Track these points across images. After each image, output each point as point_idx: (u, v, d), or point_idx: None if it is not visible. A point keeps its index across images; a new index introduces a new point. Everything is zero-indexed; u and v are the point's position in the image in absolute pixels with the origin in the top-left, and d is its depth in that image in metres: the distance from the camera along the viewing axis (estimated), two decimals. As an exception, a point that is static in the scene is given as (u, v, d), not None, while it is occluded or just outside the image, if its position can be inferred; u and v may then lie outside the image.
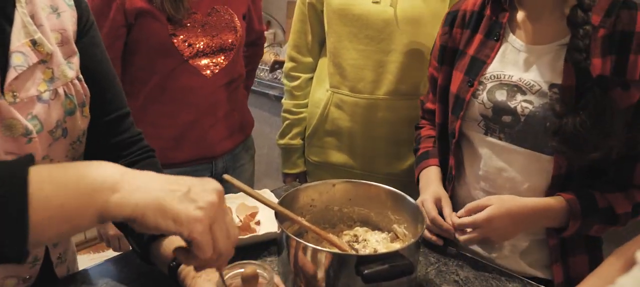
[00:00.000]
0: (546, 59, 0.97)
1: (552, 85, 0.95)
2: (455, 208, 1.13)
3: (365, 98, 1.41)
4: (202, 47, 1.35)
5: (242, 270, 0.70)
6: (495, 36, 1.03)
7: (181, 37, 1.31)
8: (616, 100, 0.89)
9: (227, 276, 0.63)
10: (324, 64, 1.48)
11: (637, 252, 0.55)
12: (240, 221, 1.11)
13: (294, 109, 1.55)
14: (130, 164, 0.89)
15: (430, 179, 1.13)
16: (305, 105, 1.55)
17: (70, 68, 0.79)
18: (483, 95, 1.03)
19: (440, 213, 1.05)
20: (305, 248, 0.80)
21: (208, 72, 1.37)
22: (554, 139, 0.92)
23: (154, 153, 0.97)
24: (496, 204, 0.95)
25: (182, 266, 0.79)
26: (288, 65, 1.55)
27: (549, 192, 0.99)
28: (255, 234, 1.05)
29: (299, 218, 0.89)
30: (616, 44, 0.90)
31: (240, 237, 1.02)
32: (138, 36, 1.29)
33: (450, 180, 1.14)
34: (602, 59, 0.91)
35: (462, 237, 0.99)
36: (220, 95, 1.42)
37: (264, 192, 1.23)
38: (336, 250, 0.86)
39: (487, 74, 1.03)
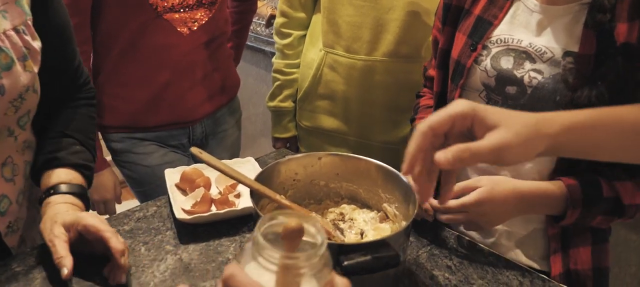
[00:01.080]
0: (563, 21, 0.85)
1: (566, 54, 0.84)
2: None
3: (361, 59, 1.30)
4: (179, 1, 1.24)
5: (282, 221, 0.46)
6: None
7: None
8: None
9: (262, 229, 0.43)
10: (317, 20, 1.37)
11: None
12: (220, 193, 1.04)
13: (285, 69, 1.45)
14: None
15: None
16: (297, 66, 1.45)
17: (3, 17, 0.69)
18: (486, 62, 0.92)
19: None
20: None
21: (185, 29, 1.27)
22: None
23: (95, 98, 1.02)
24: (487, 186, 0.86)
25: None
26: (279, 20, 1.44)
27: (554, 175, 0.89)
28: (233, 208, 0.97)
29: (278, 196, 0.81)
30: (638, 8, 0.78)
31: (217, 211, 0.95)
32: None
33: None
34: (629, 24, 0.79)
35: (444, 217, 0.90)
36: (199, 55, 1.33)
37: (247, 161, 1.15)
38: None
39: (493, 38, 0.92)
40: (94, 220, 0.76)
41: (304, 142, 1.52)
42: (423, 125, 0.54)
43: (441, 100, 1.05)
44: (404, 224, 0.81)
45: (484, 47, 0.93)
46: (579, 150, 0.58)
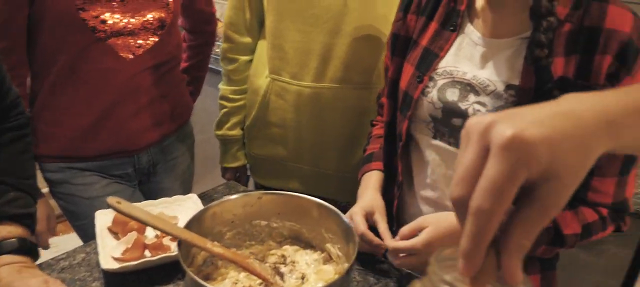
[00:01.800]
0: (505, 55, 0.84)
1: (508, 87, 0.83)
2: (403, 217, 1.03)
3: (309, 86, 1.26)
4: (121, 25, 1.18)
5: None
6: (452, 26, 0.90)
7: (92, 12, 1.14)
8: None
9: None
10: (263, 46, 1.32)
11: None
12: (157, 236, 0.97)
13: (232, 96, 1.40)
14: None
15: (368, 186, 1.01)
16: (244, 91, 1.40)
17: None
18: (433, 93, 0.91)
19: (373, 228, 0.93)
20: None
21: (128, 54, 1.21)
22: None
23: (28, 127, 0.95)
24: (432, 225, 0.84)
25: None
26: (224, 45, 1.39)
27: None
28: (168, 253, 0.91)
29: (208, 244, 0.76)
30: (582, 42, 0.78)
31: (150, 258, 0.88)
32: (41, 7, 1.13)
33: (399, 187, 1.02)
34: (565, 58, 0.78)
35: (395, 261, 0.89)
36: (144, 80, 1.27)
37: (188, 198, 1.10)
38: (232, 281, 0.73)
39: (439, 69, 0.90)
40: None
41: (255, 172, 1.47)
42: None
43: (391, 130, 1.03)
44: (346, 266, 0.76)
45: (431, 78, 0.91)
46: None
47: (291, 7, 1.23)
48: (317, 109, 1.28)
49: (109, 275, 0.87)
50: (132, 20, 1.20)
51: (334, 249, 0.87)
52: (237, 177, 1.49)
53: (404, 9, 0.98)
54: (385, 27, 1.17)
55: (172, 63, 1.36)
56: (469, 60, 0.88)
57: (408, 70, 0.96)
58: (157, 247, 0.92)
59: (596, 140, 0.36)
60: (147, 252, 0.92)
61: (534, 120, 0.35)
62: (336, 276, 0.82)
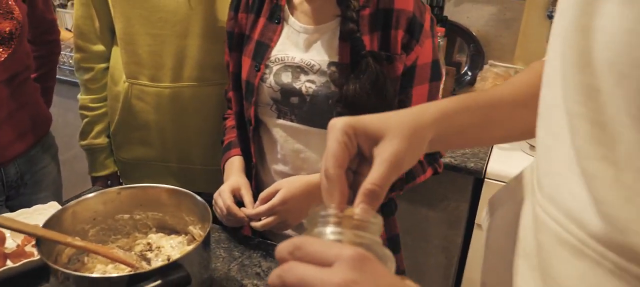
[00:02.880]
0: (323, 38, 1.01)
1: (330, 64, 1.00)
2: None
3: (168, 87, 1.33)
4: None
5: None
6: (277, 19, 1.05)
7: None
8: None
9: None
10: (117, 52, 1.36)
11: None
12: (18, 245, 0.98)
13: (92, 105, 1.42)
14: None
15: (232, 170, 1.12)
16: (104, 99, 1.42)
17: None
18: (270, 79, 1.04)
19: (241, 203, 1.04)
20: (67, 277, 0.72)
21: None
22: (337, 107, 0.98)
23: None
24: (286, 186, 0.99)
25: None
26: (77, 55, 1.40)
27: None
28: (31, 258, 0.93)
29: (69, 239, 0.81)
30: (380, 22, 0.97)
31: (12, 265, 0.90)
32: None
33: (254, 167, 1.13)
34: (370, 36, 0.97)
35: (257, 224, 1.00)
36: (1, 93, 1.26)
37: (50, 206, 1.11)
38: (100, 274, 0.80)
39: (272, 57, 1.04)
40: None
41: (125, 176, 1.50)
42: (331, 167, 0.48)
43: (241, 119, 1.14)
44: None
45: (266, 66, 1.04)
46: (457, 133, 0.58)
47: (138, 13, 1.27)
48: (178, 108, 1.35)
49: (-31, 288, 0.88)
50: None
51: (195, 230, 0.96)
52: (108, 186, 1.50)
53: (235, 8, 1.11)
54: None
55: (26, 73, 1.36)
56: (295, 46, 1.03)
57: (246, 63, 1.08)
58: (18, 254, 0.94)
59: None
60: (8, 262, 0.93)
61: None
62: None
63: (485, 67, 1.99)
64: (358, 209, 0.46)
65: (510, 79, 0.65)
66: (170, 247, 0.95)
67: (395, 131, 0.50)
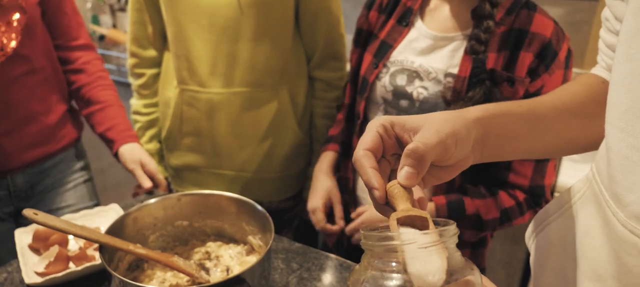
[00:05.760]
0: (448, 48, 1.03)
1: (447, 74, 1.01)
2: (356, 192, 1.25)
3: (219, 93, 1.32)
4: None
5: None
6: (405, 22, 1.09)
7: None
8: (502, 94, 0.97)
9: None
10: (169, 57, 1.37)
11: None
12: (80, 247, 1.00)
13: (144, 110, 1.45)
14: None
15: (321, 169, 1.25)
16: (156, 104, 1.45)
17: None
18: (386, 79, 1.09)
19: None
20: (125, 285, 0.72)
21: None
22: None
23: None
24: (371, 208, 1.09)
25: None
26: (130, 61, 1.43)
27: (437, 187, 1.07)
28: (93, 262, 0.94)
29: (131, 246, 0.81)
30: (511, 41, 0.97)
31: (74, 269, 0.92)
32: None
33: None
34: (496, 54, 0.97)
35: (355, 237, 1.13)
36: (12, 94, 1.15)
37: (110, 209, 1.13)
38: (159, 281, 0.79)
39: (392, 58, 1.09)
40: None
41: (176, 184, 1.51)
42: (359, 151, 0.49)
43: (350, 112, 1.24)
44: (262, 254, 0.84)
45: (384, 66, 1.09)
46: (504, 138, 0.57)
47: (189, 18, 1.27)
48: (230, 114, 1.35)
49: (33, 291, 0.90)
50: None
51: (255, 240, 0.95)
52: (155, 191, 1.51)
53: (368, 6, 1.18)
54: (282, 30, 1.29)
55: (42, 74, 1.22)
56: (417, 50, 1.06)
57: (367, 59, 1.15)
58: (81, 257, 0.96)
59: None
60: (71, 264, 0.95)
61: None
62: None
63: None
64: (402, 171, 0.45)
65: (561, 87, 0.65)
66: (229, 257, 0.95)
67: (437, 118, 0.50)
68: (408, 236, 0.39)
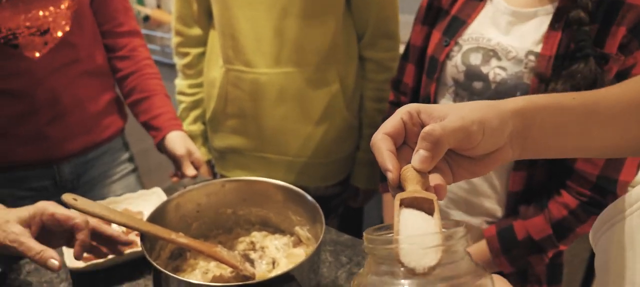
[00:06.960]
0: (529, 24, 0.93)
1: (529, 53, 0.91)
2: None
3: (265, 73, 1.27)
4: (13, 27, 1.04)
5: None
6: None
7: None
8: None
9: None
10: (214, 36, 1.32)
11: None
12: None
13: (188, 90, 1.41)
14: None
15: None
16: (201, 85, 1.41)
17: None
18: (457, 58, 0.99)
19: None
20: (170, 281, 0.68)
21: (35, 52, 1.08)
22: None
23: None
24: None
25: None
26: (175, 40, 1.40)
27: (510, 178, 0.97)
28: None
29: (173, 235, 0.78)
30: (601, 14, 0.85)
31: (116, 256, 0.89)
32: None
33: None
34: (614, 27, 0.85)
35: None
36: (58, 81, 1.13)
37: (153, 193, 1.11)
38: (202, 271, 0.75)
39: (465, 35, 0.99)
40: (57, 207, 0.73)
41: (220, 166, 1.48)
42: (378, 134, 0.47)
43: (414, 95, 1.12)
44: (312, 249, 0.78)
45: (456, 43, 0.99)
46: (548, 133, 0.53)
47: None
48: (274, 95, 1.30)
49: (76, 274, 0.89)
50: (25, 22, 1.06)
51: (302, 232, 0.90)
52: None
53: None
54: (332, 6, 1.22)
55: (85, 65, 1.19)
56: (495, 27, 0.96)
57: (436, 37, 1.04)
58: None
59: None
60: (113, 250, 0.92)
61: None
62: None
63: None
64: (416, 154, 0.44)
65: (633, 79, 0.58)
66: (275, 249, 0.90)
67: (467, 106, 0.48)
68: (406, 217, 0.40)
